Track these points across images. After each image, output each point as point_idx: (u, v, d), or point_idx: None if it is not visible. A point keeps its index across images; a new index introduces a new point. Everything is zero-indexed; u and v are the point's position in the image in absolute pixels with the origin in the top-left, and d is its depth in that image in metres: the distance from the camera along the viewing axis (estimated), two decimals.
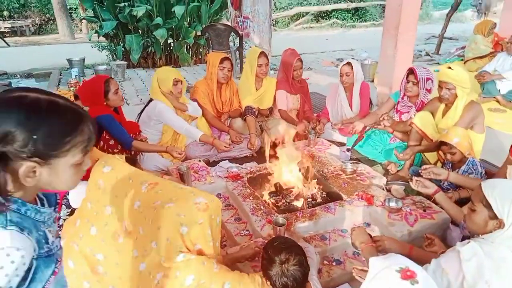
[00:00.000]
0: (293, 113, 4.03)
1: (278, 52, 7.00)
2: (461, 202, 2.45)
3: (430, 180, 2.44)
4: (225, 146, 3.37)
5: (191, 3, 7.63)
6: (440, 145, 2.80)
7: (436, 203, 2.41)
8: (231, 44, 7.39)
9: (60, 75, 7.31)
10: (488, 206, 1.52)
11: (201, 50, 8.39)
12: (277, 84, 3.96)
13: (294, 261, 1.49)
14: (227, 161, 3.49)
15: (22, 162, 0.86)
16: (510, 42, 4.80)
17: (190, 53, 8.24)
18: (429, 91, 3.40)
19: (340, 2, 15.91)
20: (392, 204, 2.45)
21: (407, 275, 1.07)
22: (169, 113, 3.30)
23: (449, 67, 2.91)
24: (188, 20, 7.85)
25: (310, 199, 2.69)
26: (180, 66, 7.97)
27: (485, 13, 17.50)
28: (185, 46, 8.04)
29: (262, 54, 3.80)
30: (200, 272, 1.46)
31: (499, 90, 5.02)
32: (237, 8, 7.29)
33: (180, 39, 7.71)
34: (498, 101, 5.07)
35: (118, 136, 2.86)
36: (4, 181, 0.86)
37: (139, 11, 6.92)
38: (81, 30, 14.59)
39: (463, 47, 7.43)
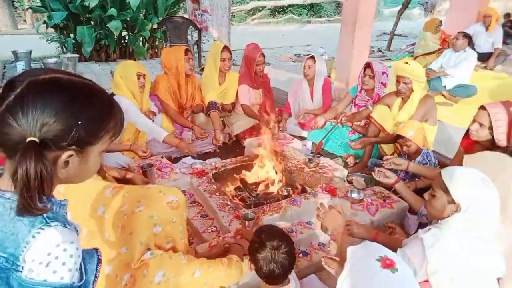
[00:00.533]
0: (255, 108, 4.04)
1: (236, 47, 6.99)
2: (418, 192, 2.59)
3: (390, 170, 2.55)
4: (189, 150, 3.28)
5: None
6: (396, 138, 2.93)
7: (396, 193, 2.52)
8: (189, 37, 7.26)
9: (4, 68, 6.83)
10: (446, 191, 1.59)
11: (157, 43, 8.18)
12: (239, 79, 3.95)
13: (285, 249, 1.51)
14: (190, 157, 3.44)
15: (60, 151, 0.81)
16: (456, 38, 5.09)
17: (146, 46, 8.01)
18: (384, 84, 3.54)
19: None
20: (354, 195, 2.54)
21: (387, 263, 1.11)
22: (133, 110, 3.19)
23: (406, 62, 3.05)
24: (144, 12, 7.61)
25: (275, 193, 2.72)
26: (135, 60, 7.72)
27: (431, 11, 18.47)
28: (141, 39, 7.80)
29: (226, 48, 3.77)
30: (168, 266, 1.45)
31: (445, 86, 5.33)
32: (195, 1, 7.17)
33: (135, 31, 7.46)
34: (444, 96, 5.38)
35: None
36: (51, 174, 0.80)
37: (92, 2, 6.61)
38: (25, 20, 13.71)
39: (413, 44, 7.80)
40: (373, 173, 2.55)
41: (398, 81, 3.12)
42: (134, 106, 3.20)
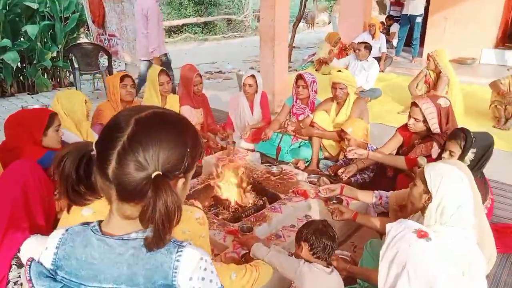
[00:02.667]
0: (198, 127, 4.11)
1: None
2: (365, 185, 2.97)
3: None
4: None
5: (41, 22, 6.86)
6: (340, 133, 3.33)
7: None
8: (100, 63, 6.93)
9: None
10: (424, 181, 1.77)
11: (59, 72, 7.60)
12: (180, 101, 3.97)
13: (330, 228, 1.86)
14: None
15: (175, 180, 0.84)
16: (358, 49, 5.81)
17: (47, 77, 7.39)
18: (315, 92, 3.93)
19: (189, 17, 16.32)
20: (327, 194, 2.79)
21: (421, 234, 1.34)
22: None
23: (339, 71, 3.46)
24: (41, 41, 7.03)
25: (251, 205, 2.84)
26: (37, 93, 7.07)
27: (311, 24, 20.27)
28: (41, 69, 7.17)
29: (163, 72, 3.77)
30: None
31: None
32: (100, 26, 6.89)
33: (35, 62, 6.84)
34: None
35: None
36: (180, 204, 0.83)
37: None
38: None
39: (314, 54, 8.58)
40: (319, 188, 2.77)
41: (334, 88, 3.52)
42: (77, 138, 3.04)
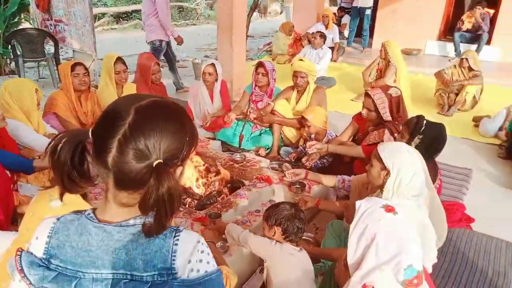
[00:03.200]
0: None
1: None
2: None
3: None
4: None
5: None
6: (301, 120, 3.43)
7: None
8: (46, 50, 6.53)
9: None
10: (380, 160, 1.94)
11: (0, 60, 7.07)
12: (137, 89, 3.87)
13: (299, 210, 1.95)
14: None
15: (174, 168, 0.85)
16: (314, 37, 5.96)
17: None
18: (274, 79, 4.00)
19: (139, 3, 15.73)
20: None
21: (389, 208, 1.44)
22: (28, 130, 2.86)
23: (300, 59, 3.54)
24: None
25: (215, 192, 2.86)
26: None
27: (264, 13, 20.34)
28: None
29: (119, 60, 3.66)
30: None
31: None
32: (45, 11, 6.48)
33: None
34: None
35: (14, 163, 2.37)
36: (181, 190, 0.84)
37: None
38: None
39: (269, 43, 8.66)
40: (285, 172, 2.93)
41: (295, 76, 3.60)
42: (28, 127, 2.90)
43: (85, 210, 0.89)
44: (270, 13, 20.54)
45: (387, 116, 3.02)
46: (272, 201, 2.77)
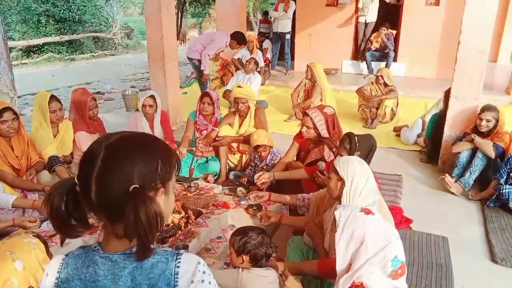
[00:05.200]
0: None
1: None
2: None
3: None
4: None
5: None
6: (256, 148, 3.55)
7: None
8: None
9: None
10: (336, 171, 2.09)
11: None
12: (74, 126, 3.71)
13: (265, 235, 1.97)
14: None
15: (154, 192, 0.90)
16: (248, 63, 6.23)
17: None
18: (219, 108, 4.10)
19: (50, 35, 14.94)
20: (245, 202, 2.97)
21: (367, 211, 1.60)
22: None
23: (239, 86, 3.70)
24: None
25: (174, 225, 2.83)
26: None
27: (183, 40, 20.53)
28: None
29: (53, 98, 3.51)
30: None
31: None
32: None
33: None
34: None
35: None
36: (161, 213, 0.88)
37: None
38: None
39: None
40: (250, 195, 3.01)
41: (236, 102, 3.74)
42: None
43: (92, 244, 0.94)
44: (189, 39, 20.81)
45: (324, 133, 3.28)
46: (232, 226, 2.84)
